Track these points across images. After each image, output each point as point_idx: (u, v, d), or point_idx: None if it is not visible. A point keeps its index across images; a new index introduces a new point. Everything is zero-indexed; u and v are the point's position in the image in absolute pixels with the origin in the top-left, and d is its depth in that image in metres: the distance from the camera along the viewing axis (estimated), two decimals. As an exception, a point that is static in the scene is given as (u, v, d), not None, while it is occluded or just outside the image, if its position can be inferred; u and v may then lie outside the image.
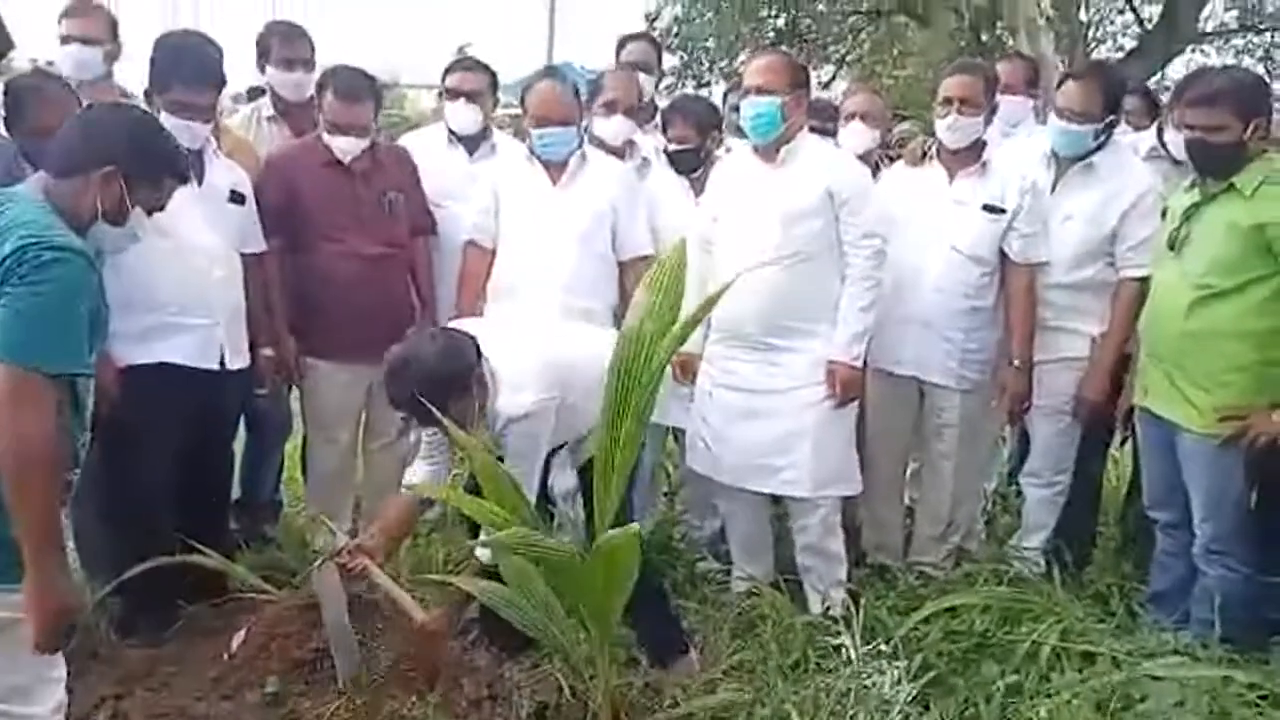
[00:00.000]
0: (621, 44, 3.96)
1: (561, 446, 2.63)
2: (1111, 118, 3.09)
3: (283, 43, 3.46)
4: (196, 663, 2.68)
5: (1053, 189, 3.13)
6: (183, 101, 2.80)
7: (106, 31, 3.38)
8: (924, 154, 3.19)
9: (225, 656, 2.64)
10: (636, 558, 2.26)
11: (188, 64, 2.85)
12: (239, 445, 3.37)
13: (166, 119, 2.78)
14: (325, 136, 3.15)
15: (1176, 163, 3.27)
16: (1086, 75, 3.11)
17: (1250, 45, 13.08)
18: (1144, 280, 2.93)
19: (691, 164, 3.33)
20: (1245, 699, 2.30)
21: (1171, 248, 2.73)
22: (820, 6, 13.56)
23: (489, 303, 3.25)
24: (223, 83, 2.95)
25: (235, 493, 3.38)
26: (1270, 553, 2.79)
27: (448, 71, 3.55)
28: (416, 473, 2.67)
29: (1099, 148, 3.09)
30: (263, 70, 3.52)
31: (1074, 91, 3.05)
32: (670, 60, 13.65)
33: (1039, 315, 3.14)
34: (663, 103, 3.90)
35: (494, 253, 3.25)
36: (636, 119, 3.74)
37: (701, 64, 14.05)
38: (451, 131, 3.53)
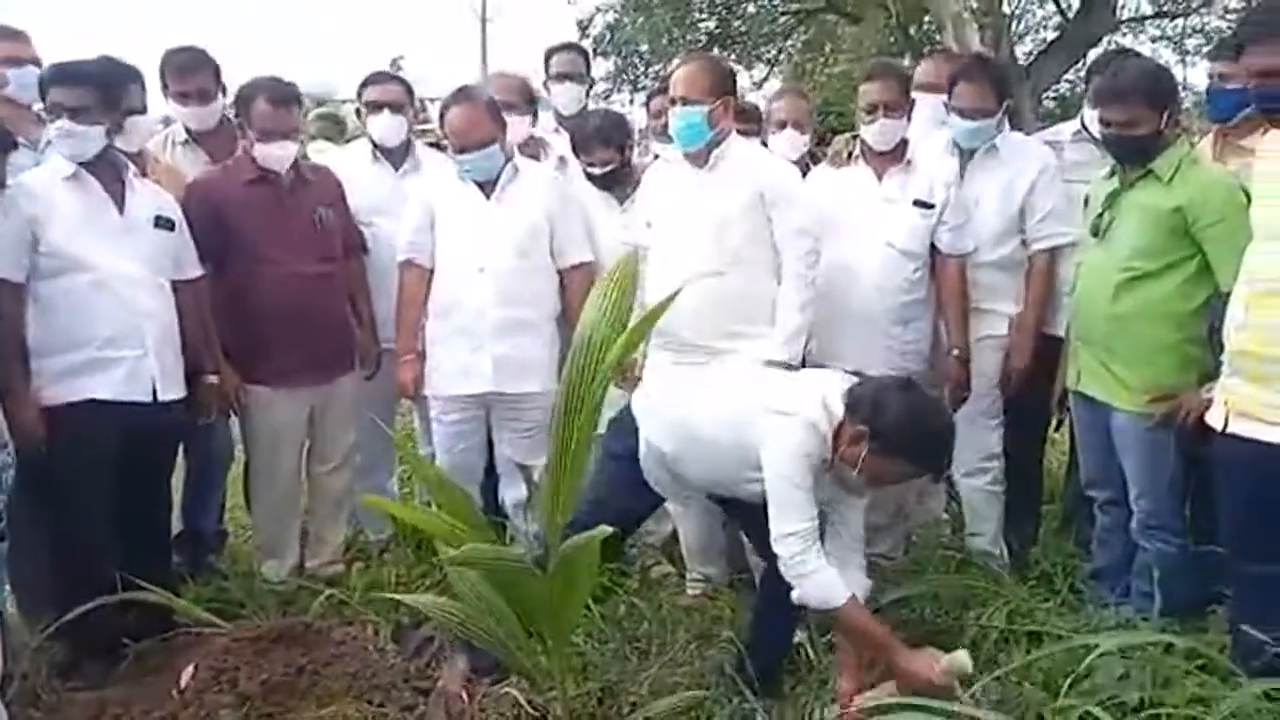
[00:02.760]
0: (548, 56, 3.95)
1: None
2: (1007, 103, 3.23)
3: (177, 77, 3.33)
4: (145, 702, 2.60)
5: (960, 175, 3.23)
6: (60, 105, 2.71)
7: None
8: (849, 155, 3.23)
9: (175, 694, 2.58)
10: (595, 567, 2.25)
11: (58, 67, 2.79)
12: (179, 476, 3.30)
13: (51, 130, 2.74)
14: (257, 147, 3.10)
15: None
16: (973, 72, 3.23)
17: (1167, 32, 13.44)
18: (1053, 250, 3.13)
19: (613, 181, 3.36)
20: (1184, 668, 2.36)
21: (1095, 234, 2.81)
22: (750, 8, 13.66)
23: (429, 320, 3.24)
24: (109, 89, 2.81)
25: (177, 525, 3.31)
26: (1203, 525, 2.88)
27: (364, 86, 3.53)
28: (833, 581, 2.37)
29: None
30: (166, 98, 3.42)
31: (968, 91, 3.17)
32: (606, 66, 13.70)
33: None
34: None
35: (432, 271, 3.23)
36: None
37: (636, 68, 14.09)
38: (375, 147, 3.50)
